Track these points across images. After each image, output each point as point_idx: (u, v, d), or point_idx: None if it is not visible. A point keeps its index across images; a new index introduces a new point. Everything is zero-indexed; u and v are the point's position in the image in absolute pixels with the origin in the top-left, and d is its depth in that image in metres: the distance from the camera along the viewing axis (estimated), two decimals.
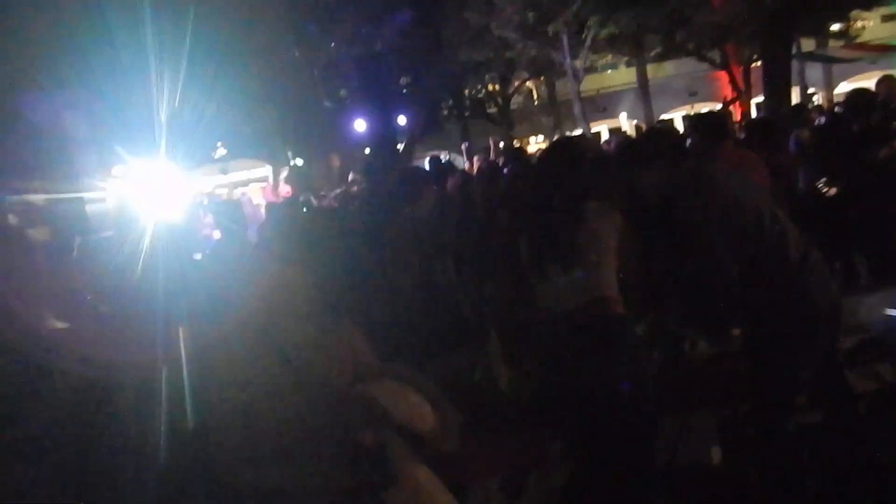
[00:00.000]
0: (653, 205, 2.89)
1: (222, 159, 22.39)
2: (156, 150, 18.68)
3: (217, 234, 8.51)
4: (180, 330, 2.21)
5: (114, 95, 17.64)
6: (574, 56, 19.34)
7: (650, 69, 26.23)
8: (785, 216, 2.75)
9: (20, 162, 17.54)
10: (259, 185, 18.06)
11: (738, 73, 20.61)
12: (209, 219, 9.97)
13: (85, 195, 7.44)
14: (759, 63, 16.91)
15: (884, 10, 22.92)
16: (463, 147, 9.29)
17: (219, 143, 22.28)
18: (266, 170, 23.90)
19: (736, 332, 2.97)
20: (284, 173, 14.89)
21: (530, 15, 18.83)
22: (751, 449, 2.93)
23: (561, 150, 3.24)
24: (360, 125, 9.24)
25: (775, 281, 2.64)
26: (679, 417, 3.21)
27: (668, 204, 2.76)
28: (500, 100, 24.90)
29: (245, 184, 24.73)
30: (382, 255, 3.52)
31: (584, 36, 18.82)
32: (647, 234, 3.08)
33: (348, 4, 14.60)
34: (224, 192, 24.31)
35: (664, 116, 25.62)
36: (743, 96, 20.49)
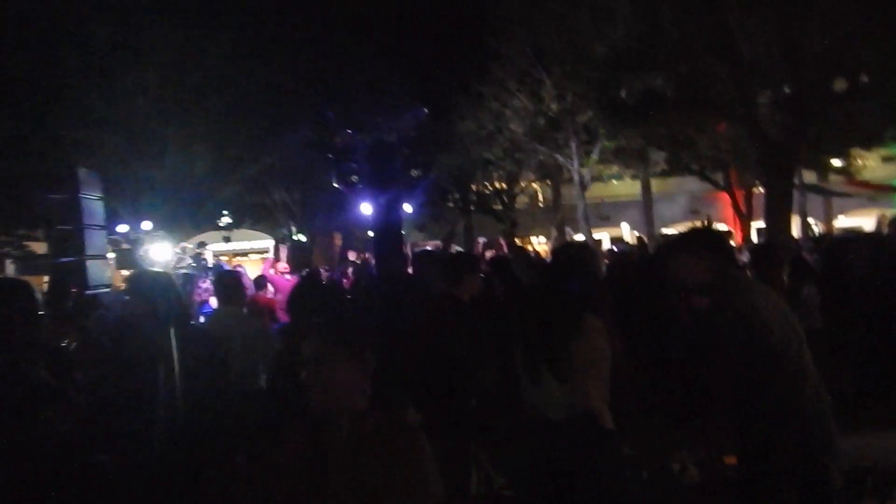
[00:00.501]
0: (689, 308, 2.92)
1: (226, 227, 22.58)
2: (160, 212, 18.92)
3: (214, 302, 8.49)
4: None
5: (125, 157, 18.04)
6: (581, 164, 19.87)
7: (654, 183, 26.85)
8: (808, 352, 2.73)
9: (27, 212, 17.73)
10: (258, 256, 18.16)
11: (740, 196, 21.08)
12: (207, 283, 9.95)
13: (87, 251, 7.48)
14: (760, 189, 17.34)
15: (884, 152, 23.68)
16: (480, 241, 9.46)
17: (224, 212, 22.53)
18: (267, 242, 24.11)
19: (729, 459, 2.92)
20: (284, 248, 15.00)
21: (541, 121, 19.50)
22: None
23: (567, 258, 3.30)
24: (365, 208, 9.37)
25: (782, 412, 2.61)
26: None
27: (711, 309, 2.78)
28: (505, 197, 25.35)
29: (245, 254, 24.92)
30: (430, 335, 3.48)
31: (592, 146, 19.41)
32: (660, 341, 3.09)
33: (368, 94, 15.16)
34: (225, 259, 24.40)
35: (665, 230, 26.06)
36: (744, 220, 20.88)
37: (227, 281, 4.65)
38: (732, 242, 18.63)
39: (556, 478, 2.64)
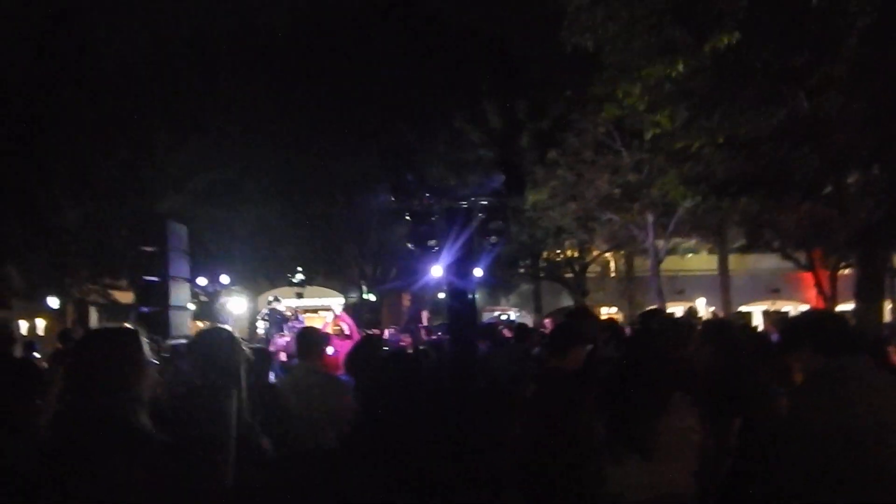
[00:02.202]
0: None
1: (299, 283, 23.11)
2: (237, 267, 19.49)
3: (283, 356, 8.58)
4: None
5: (208, 210, 18.83)
6: (657, 236, 19.53)
7: (732, 259, 26.08)
8: None
9: (112, 261, 18.60)
10: (317, 315, 18.37)
11: (825, 277, 20.18)
12: (283, 338, 10.10)
13: (171, 301, 7.73)
14: (846, 270, 16.56)
15: None
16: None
17: (298, 268, 23.09)
18: (337, 300, 24.51)
19: None
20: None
21: (617, 191, 19.35)
22: None
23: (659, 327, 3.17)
24: (436, 271, 9.38)
25: None
26: None
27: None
28: (576, 266, 25.08)
29: (315, 310, 25.36)
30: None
31: (668, 218, 19.08)
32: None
33: (448, 160, 15.42)
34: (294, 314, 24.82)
35: (742, 308, 25.09)
36: (829, 302, 19.93)
37: (312, 337, 4.72)
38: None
39: None
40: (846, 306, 16.53)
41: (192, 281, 10.48)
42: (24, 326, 20.75)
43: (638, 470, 2.62)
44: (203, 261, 17.69)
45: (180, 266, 8.12)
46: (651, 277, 20.28)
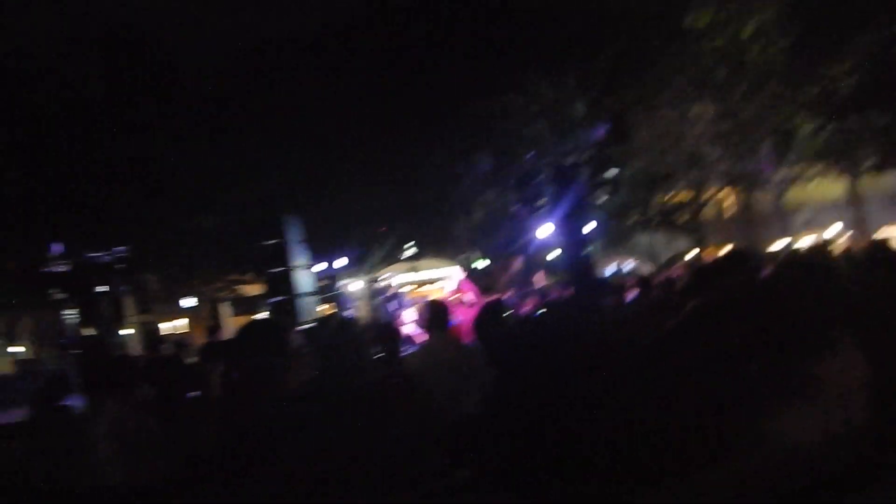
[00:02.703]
0: None
1: (412, 258, 23.53)
2: (352, 248, 20.03)
3: (408, 330, 8.77)
4: None
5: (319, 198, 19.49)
6: (776, 167, 18.40)
7: (863, 182, 24.16)
8: None
9: (236, 257, 19.66)
10: (441, 284, 18.64)
11: None
12: (408, 313, 10.37)
13: (296, 290, 8.08)
14: None
15: None
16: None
17: (411, 243, 23.49)
18: (452, 269, 24.76)
19: None
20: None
21: (726, 126, 18.29)
22: None
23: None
24: (548, 230, 9.27)
25: None
26: None
27: None
28: (690, 210, 24.02)
29: (431, 282, 25.76)
30: None
31: (788, 147, 17.92)
32: None
33: (544, 117, 15.17)
34: (412, 288, 25.35)
35: (880, 234, 23.27)
36: None
37: (437, 308, 4.79)
38: None
39: None
40: None
41: (312, 267, 10.88)
42: (166, 327, 22.42)
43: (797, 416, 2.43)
44: (320, 247, 18.38)
45: (299, 255, 8.44)
46: (773, 212, 19.18)
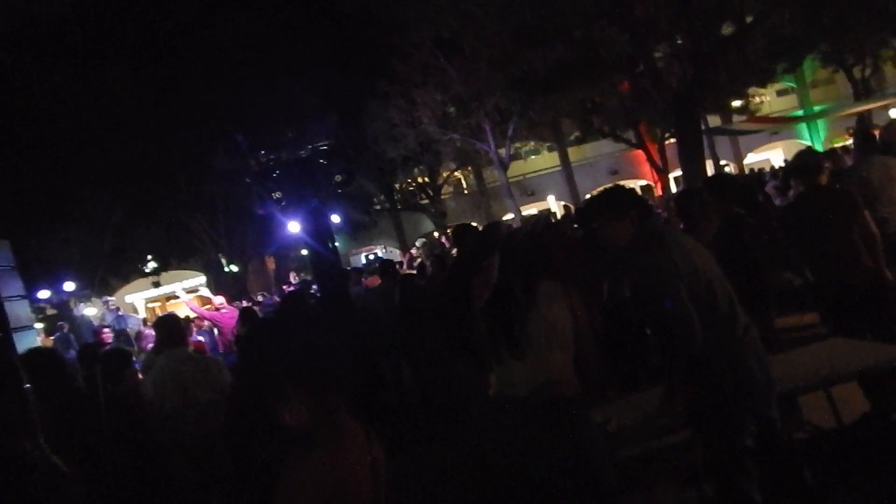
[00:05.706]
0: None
1: (153, 272, 21.85)
2: (80, 271, 18.13)
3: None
4: None
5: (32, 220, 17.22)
6: (498, 145, 20.08)
7: (571, 152, 27.41)
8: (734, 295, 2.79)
9: None
10: (191, 296, 17.67)
11: (654, 150, 21.70)
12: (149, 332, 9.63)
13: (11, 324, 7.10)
14: (672, 140, 17.90)
15: (777, 86, 24.78)
16: (418, 243, 9.41)
17: (149, 257, 21.83)
18: (200, 279, 23.43)
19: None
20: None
21: (452, 110, 19.57)
22: None
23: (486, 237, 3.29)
24: (293, 227, 9.20)
25: (720, 353, 2.69)
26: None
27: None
28: (430, 191, 25.37)
29: (177, 296, 24.19)
30: None
31: (505, 125, 19.62)
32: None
33: (273, 112, 14.92)
34: (157, 305, 23.60)
35: (589, 196, 26.48)
36: (661, 173, 21.51)
37: (173, 323, 4.56)
38: (647, 196, 19.22)
39: (529, 456, 2.64)
40: (677, 173, 17.95)
41: (31, 296, 9.67)
42: None
43: (517, 365, 2.71)
44: (41, 273, 16.30)
45: (11, 285, 7.44)
46: (502, 185, 20.94)
